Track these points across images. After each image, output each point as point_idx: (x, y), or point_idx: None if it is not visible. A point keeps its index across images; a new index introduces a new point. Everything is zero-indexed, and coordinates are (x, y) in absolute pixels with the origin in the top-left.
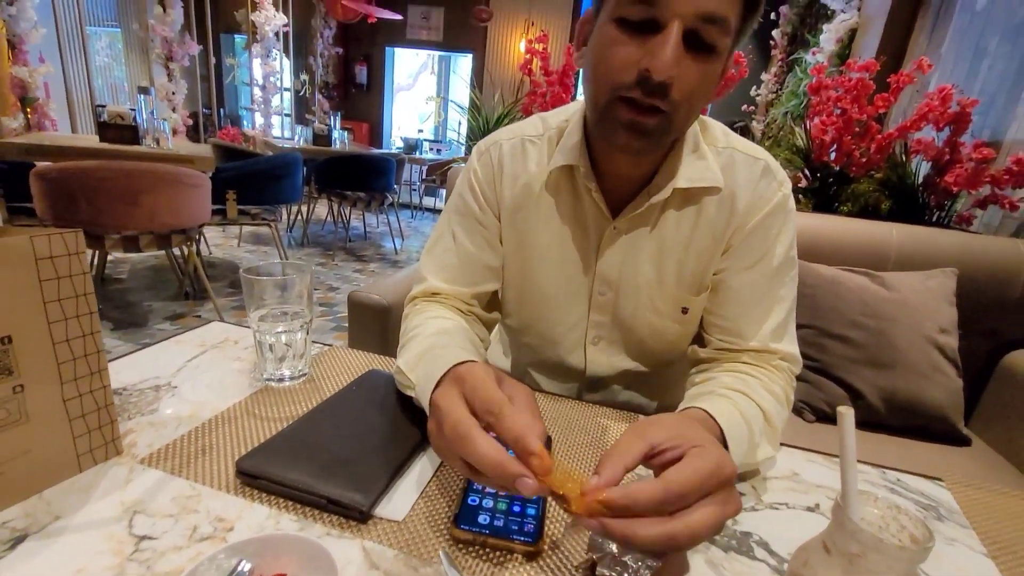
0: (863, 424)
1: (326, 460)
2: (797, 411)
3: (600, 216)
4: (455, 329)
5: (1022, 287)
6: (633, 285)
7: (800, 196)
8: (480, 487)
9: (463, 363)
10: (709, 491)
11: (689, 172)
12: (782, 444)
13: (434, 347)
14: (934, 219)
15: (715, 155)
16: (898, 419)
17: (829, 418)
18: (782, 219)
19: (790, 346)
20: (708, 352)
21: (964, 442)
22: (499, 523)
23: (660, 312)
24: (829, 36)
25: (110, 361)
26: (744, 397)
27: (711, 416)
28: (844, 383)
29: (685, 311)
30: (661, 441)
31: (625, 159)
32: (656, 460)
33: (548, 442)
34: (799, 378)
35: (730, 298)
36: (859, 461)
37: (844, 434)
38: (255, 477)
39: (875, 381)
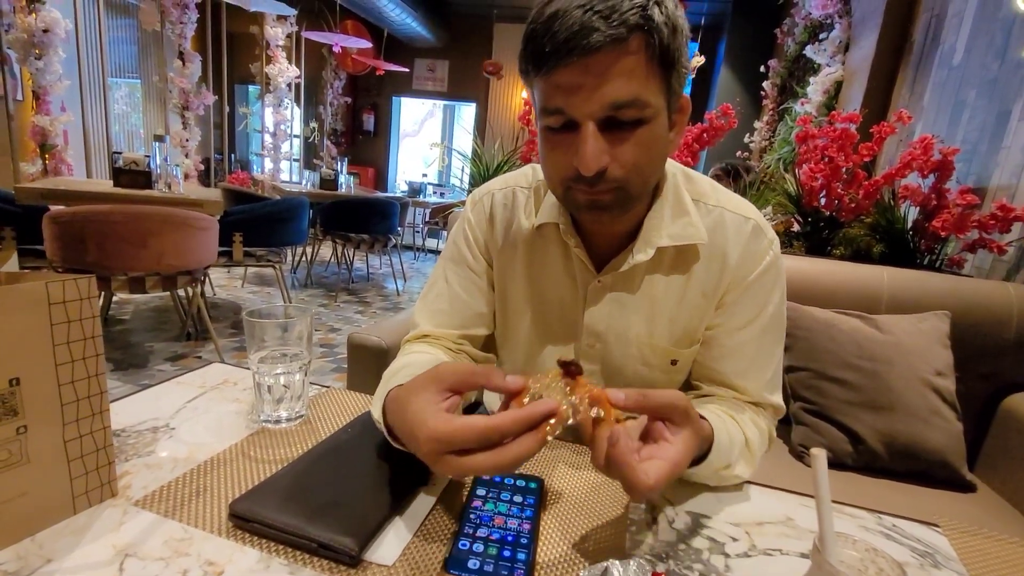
0: (865, 469)
1: (318, 503)
2: (798, 455)
3: (585, 270)
4: (420, 362)
5: (1015, 329)
6: (623, 339)
7: (793, 240)
8: (471, 531)
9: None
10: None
11: (671, 229)
12: (777, 489)
13: (389, 387)
14: (925, 263)
15: (704, 212)
16: (899, 464)
17: (831, 463)
18: (774, 277)
19: (779, 397)
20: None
21: (969, 488)
22: (489, 568)
23: (650, 364)
24: (816, 88)
25: (110, 402)
26: (732, 422)
27: (713, 431)
28: (843, 426)
29: (674, 363)
30: (673, 423)
31: (601, 223)
32: (653, 425)
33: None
34: (799, 422)
35: (724, 355)
36: (858, 507)
37: (818, 476)
38: (247, 520)
39: (874, 424)
